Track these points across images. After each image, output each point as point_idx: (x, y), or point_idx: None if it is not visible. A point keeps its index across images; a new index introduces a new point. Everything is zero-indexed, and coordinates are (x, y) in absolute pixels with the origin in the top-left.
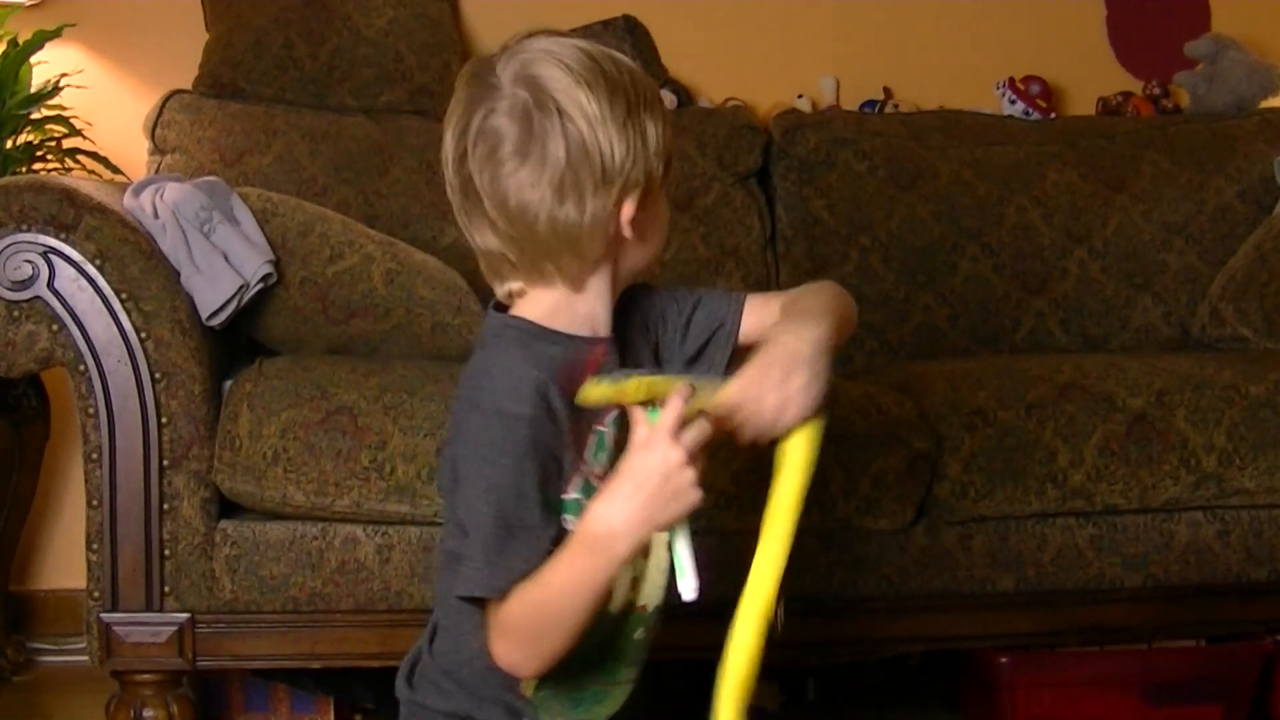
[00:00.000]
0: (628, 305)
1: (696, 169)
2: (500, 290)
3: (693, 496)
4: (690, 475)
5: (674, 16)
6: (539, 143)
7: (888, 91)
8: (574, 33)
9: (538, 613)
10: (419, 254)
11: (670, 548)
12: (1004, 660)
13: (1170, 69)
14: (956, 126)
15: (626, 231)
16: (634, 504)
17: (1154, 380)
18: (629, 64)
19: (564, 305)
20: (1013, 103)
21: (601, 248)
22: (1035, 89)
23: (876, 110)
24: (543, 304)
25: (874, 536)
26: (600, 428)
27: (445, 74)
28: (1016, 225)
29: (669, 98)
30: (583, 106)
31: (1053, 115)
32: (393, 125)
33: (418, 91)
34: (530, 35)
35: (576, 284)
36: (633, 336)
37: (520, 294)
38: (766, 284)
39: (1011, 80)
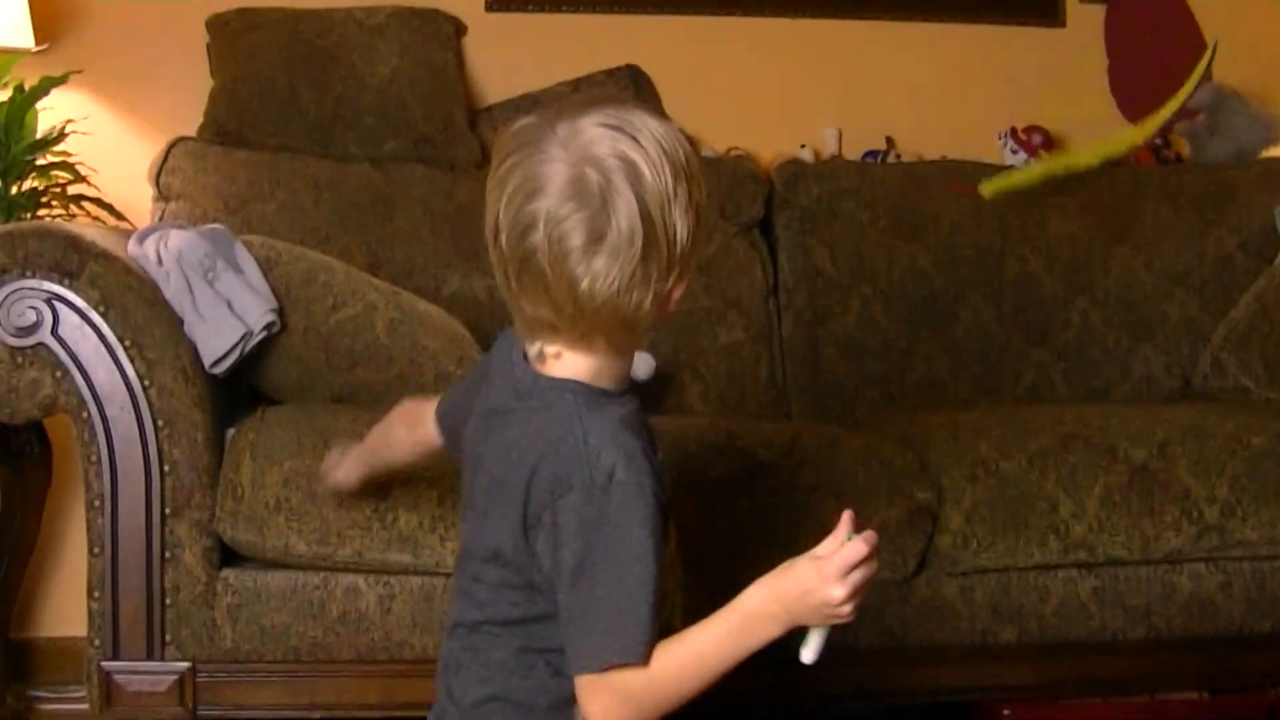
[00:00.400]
0: None
1: None
2: (532, 349)
3: (845, 618)
4: (847, 610)
5: (677, 66)
6: (615, 230)
7: (890, 141)
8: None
9: (682, 677)
10: (422, 303)
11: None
12: (1006, 712)
13: (1171, 119)
14: (958, 177)
15: (673, 306)
16: (794, 613)
17: (1156, 431)
18: (680, 137)
19: (605, 367)
20: (1015, 152)
21: (652, 321)
22: (1037, 139)
23: (879, 160)
24: (584, 365)
25: (875, 587)
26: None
27: (449, 123)
28: (1018, 275)
29: None
30: (661, 199)
31: None
32: (397, 173)
33: (421, 140)
34: (551, 97)
35: (622, 350)
36: None
37: (557, 356)
38: (769, 334)
39: (1014, 130)
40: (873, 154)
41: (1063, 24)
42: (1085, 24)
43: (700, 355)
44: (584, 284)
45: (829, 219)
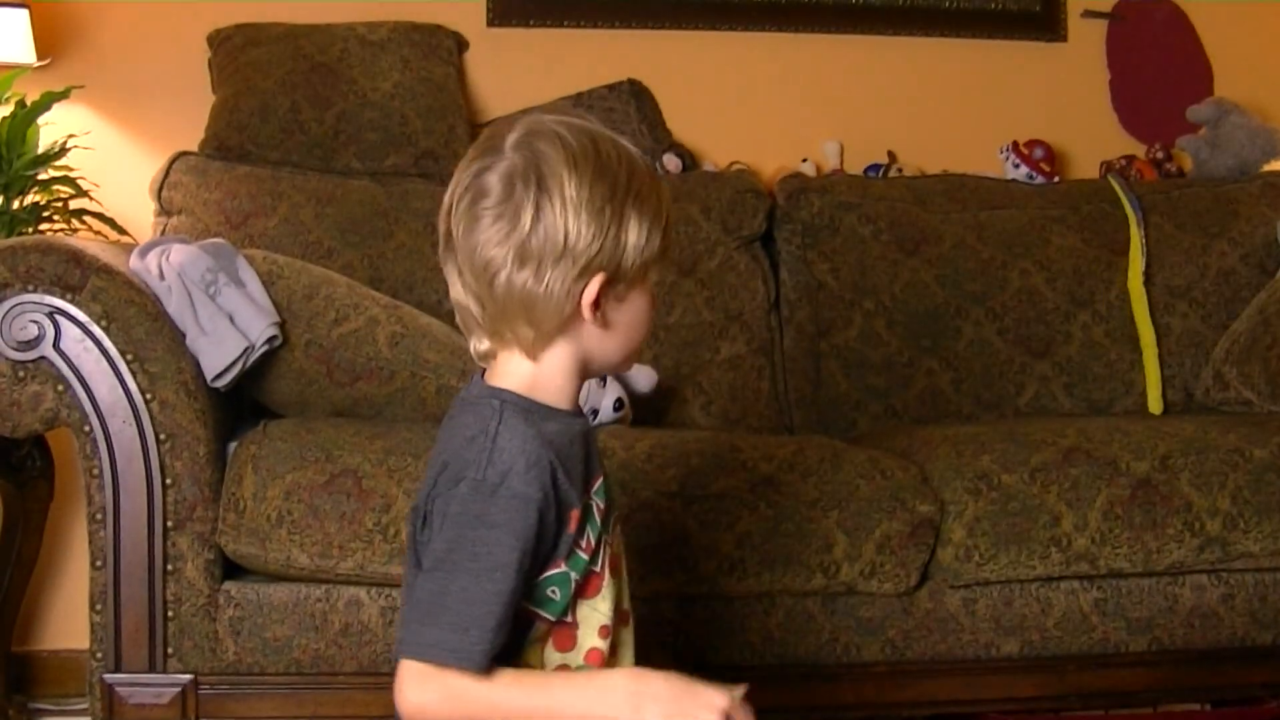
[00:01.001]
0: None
1: (701, 233)
2: (473, 349)
3: None
4: None
5: (679, 81)
6: (513, 206)
7: (891, 155)
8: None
9: (519, 708)
10: (424, 317)
11: None
12: None
13: (1173, 133)
14: (960, 190)
15: (586, 314)
16: (658, 702)
17: (1158, 444)
18: (633, 157)
19: (542, 379)
20: (1016, 166)
21: (555, 321)
22: (1039, 153)
23: (880, 174)
24: (519, 375)
25: (878, 600)
26: (588, 499)
27: (450, 138)
28: (1020, 289)
29: (673, 162)
30: (562, 184)
31: (1056, 179)
32: (398, 189)
33: (423, 155)
34: (549, 110)
35: (532, 353)
36: None
37: (491, 355)
38: (770, 348)
39: (1015, 144)
40: (874, 168)
41: (1064, 39)
42: (1087, 39)
43: (702, 369)
44: (479, 253)
45: (830, 233)
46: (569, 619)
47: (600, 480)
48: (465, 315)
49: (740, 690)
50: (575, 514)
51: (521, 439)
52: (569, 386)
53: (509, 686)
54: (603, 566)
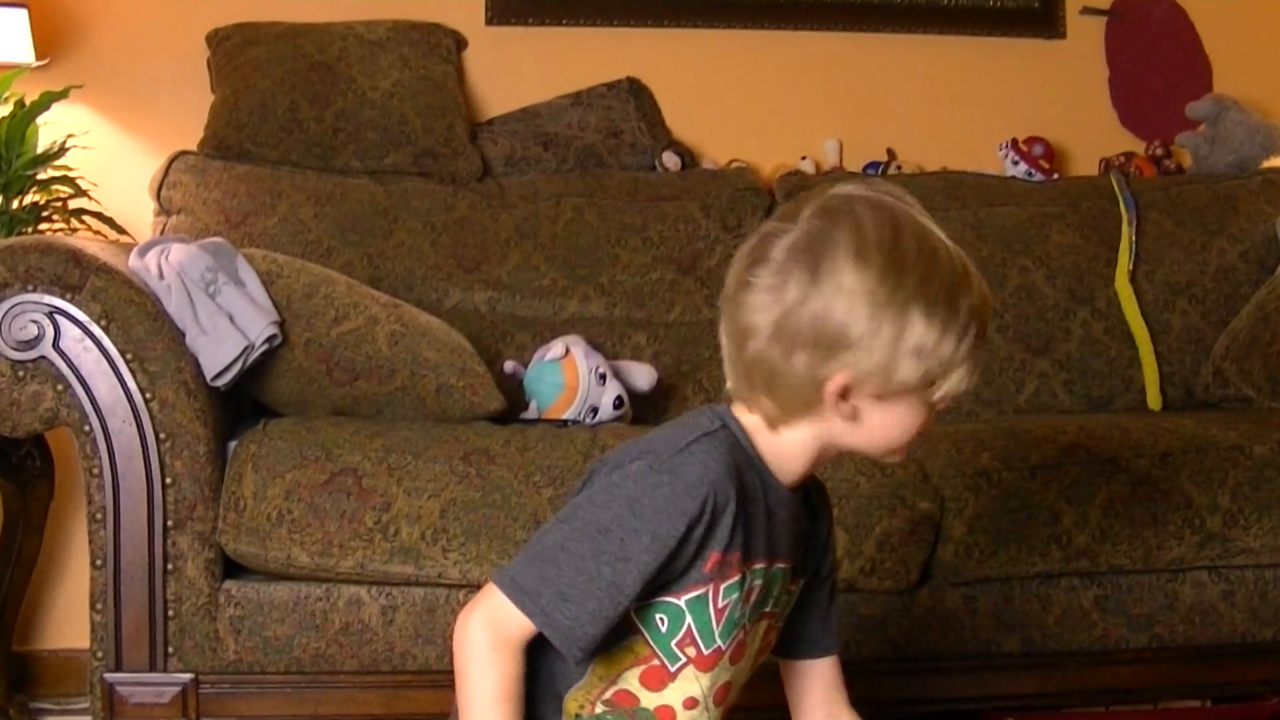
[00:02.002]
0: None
1: (700, 230)
2: (727, 387)
3: None
4: None
5: (678, 79)
6: (784, 279)
7: (891, 153)
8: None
9: (473, 700)
10: (423, 316)
11: None
12: None
13: (1172, 130)
14: (960, 188)
15: (830, 404)
16: None
17: (1158, 441)
18: (939, 253)
19: (772, 443)
20: (1015, 164)
21: (799, 406)
22: (1038, 150)
23: (880, 172)
24: (754, 426)
25: (878, 598)
26: (748, 570)
27: (449, 136)
28: (1020, 286)
29: (673, 160)
30: (839, 274)
31: (1055, 176)
32: (397, 187)
33: (422, 154)
34: (868, 187)
35: (772, 425)
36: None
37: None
38: None
39: (1014, 141)
40: (874, 166)
41: (1063, 35)
42: (1086, 35)
43: (702, 366)
44: (744, 313)
45: None
46: (671, 667)
47: (774, 569)
48: (727, 360)
49: None
50: (716, 557)
51: (718, 458)
52: (797, 466)
53: (505, 699)
54: (729, 646)
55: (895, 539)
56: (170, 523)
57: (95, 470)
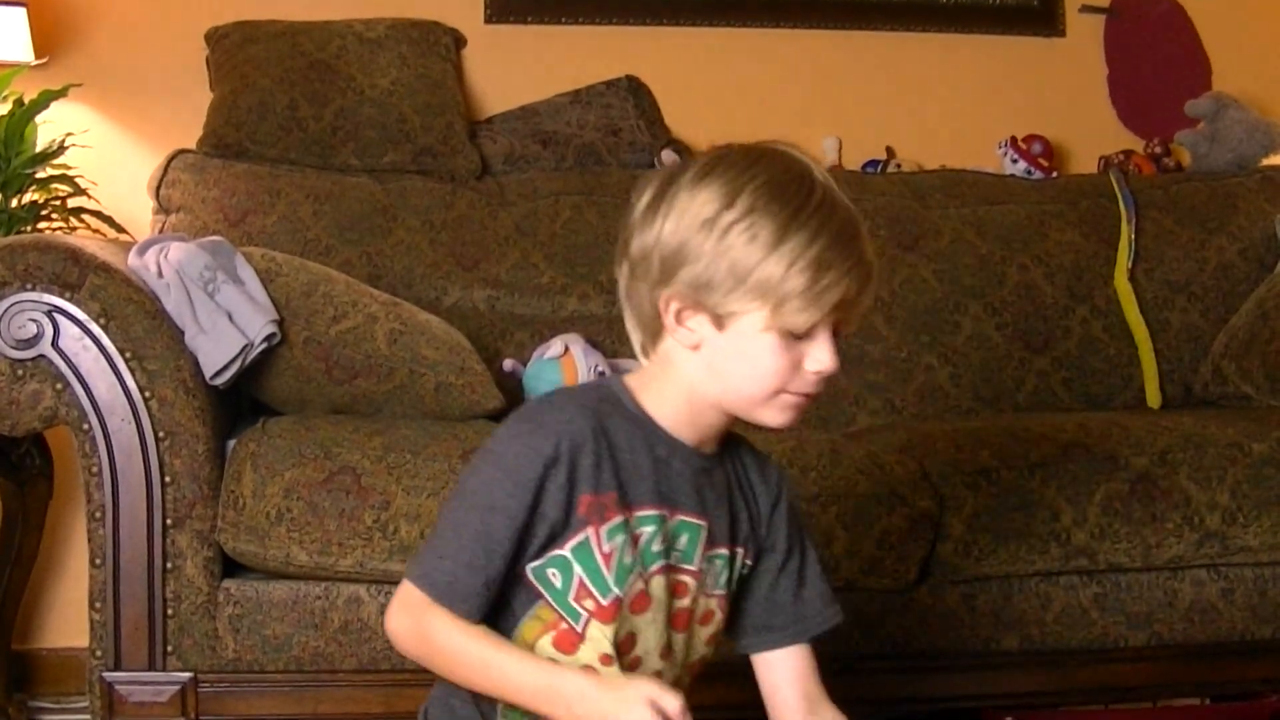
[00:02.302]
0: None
1: None
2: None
3: None
4: None
5: (677, 77)
6: (644, 214)
7: (890, 151)
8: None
9: (470, 668)
10: (422, 314)
11: None
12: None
13: (1171, 128)
14: (958, 186)
15: (671, 328)
16: (585, 713)
17: (1157, 439)
18: (794, 193)
19: (648, 388)
20: (1015, 162)
21: (651, 337)
22: (1037, 148)
23: (879, 170)
24: (638, 379)
25: (877, 596)
26: (630, 515)
27: (448, 134)
28: (1019, 284)
29: (671, 158)
30: (679, 198)
31: (1054, 174)
32: (396, 186)
33: (421, 152)
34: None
35: (643, 356)
36: (735, 498)
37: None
38: None
39: (1013, 139)
40: (873, 164)
41: (1062, 34)
42: (1085, 33)
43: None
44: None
45: None
46: (577, 626)
47: (675, 520)
48: None
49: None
50: (588, 499)
51: (577, 403)
52: (670, 406)
53: (473, 639)
54: (627, 594)
55: (894, 537)
56: (169, 521)
57: (94, 469)
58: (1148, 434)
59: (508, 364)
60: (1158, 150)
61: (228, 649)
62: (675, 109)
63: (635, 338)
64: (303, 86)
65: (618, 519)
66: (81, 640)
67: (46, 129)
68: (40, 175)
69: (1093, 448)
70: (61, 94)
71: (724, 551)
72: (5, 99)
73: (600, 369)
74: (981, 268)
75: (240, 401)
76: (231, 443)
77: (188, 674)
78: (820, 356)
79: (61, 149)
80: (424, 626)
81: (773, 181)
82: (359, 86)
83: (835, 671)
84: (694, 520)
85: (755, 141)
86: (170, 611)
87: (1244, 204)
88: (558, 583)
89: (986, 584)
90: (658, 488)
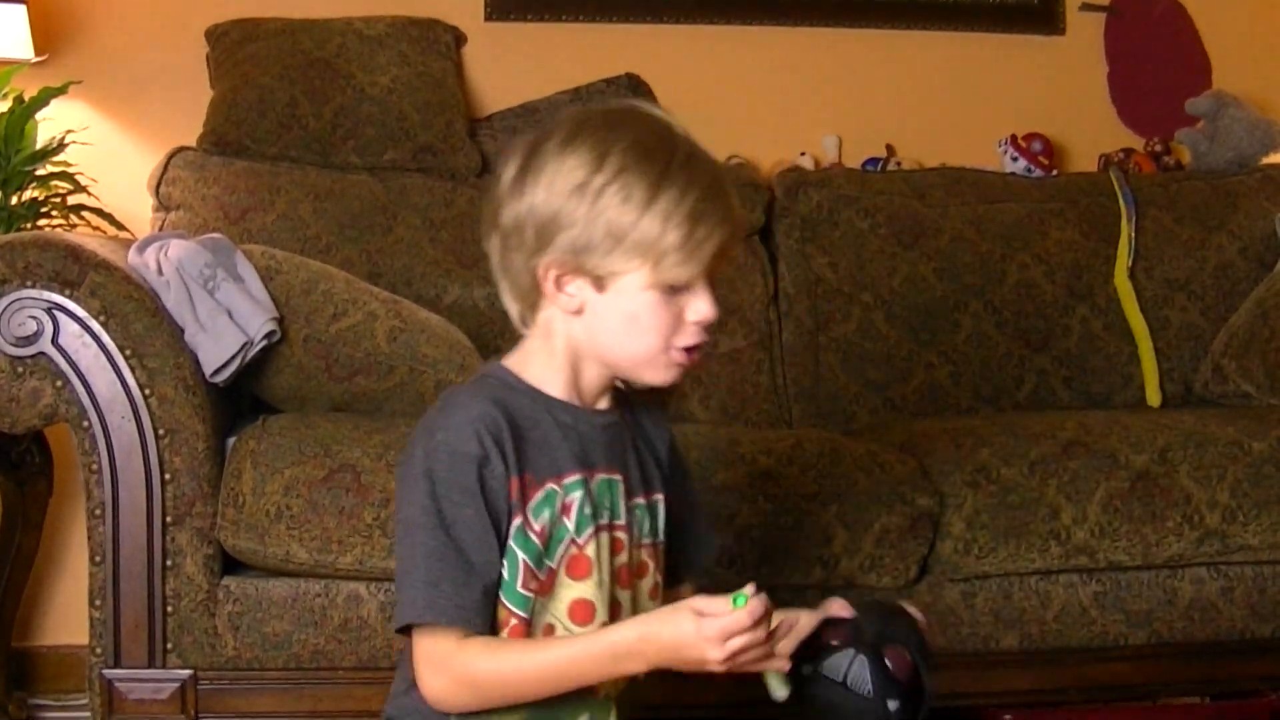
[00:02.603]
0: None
1: None
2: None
3: (716, 671)
4: (720, 669)
5: (677, 75)
6: (511, 185)
7: (890, 149)
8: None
9: (520, 681)
10: (422, 312)
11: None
12: (1008, 718)
13: (1172, 126)
14: (959, 184)
15: (551, 295)
16: (663, 659)
17: (1157, 437)
18: (662, 152)
19: (526, 358)
20: (1015, 160)
21: (530, 306)
22: (1037, 146)
23: (879, 168)
24: (515, 353)
25: (877, 594)
26: (554, 485)
27: (448, 132)
28: (1019, 282)
29: None
30: (546, 165)
31: (1055, 172)
32: (396, 183)
33: (421, 150)
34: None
35: (522, 326)
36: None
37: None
38: (769, 342)
39: (1014, 137)
40: (873, 162)
41: (1063, 32)
42: (1085, 32)
43: (701, 362)
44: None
45: (829, 227)
46: (525, 613)
47: (596, 480)
48: None
49: (750, 595)
50: (514, 482)
51: (472, 397)
52: (558, 375)
53: (517, 652)
54: (560, 563)
55: (894, 535)
56: (169, 519)
57: (94, 466)
58: (1148, 432)
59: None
60: (1158, 148)
61: (227, 646)
62: (675, 107)
63: (513, 309)
64: (303, 84)
65: (540, 494)
66: (81, 638)
67: (46, 126)
68: (40, 172)
69: (1093, 446)
70: (61, 91)
71: (641, 501)
72: (5, 96)
73: None
74: (981, 266)
75: (240, 399)
76: (231, 440)
77: (187, 671)
78: (700, 307)
79: (61, 146)
80: (462, 670)
81: (639, 142)
82: (359, 84)
83: None
84: (612, 476)
85: (613, 104)
86: (170, 609)
87: (1244, 202)
88: (507, 575)
89: (986, 582)
90: (572, 453)
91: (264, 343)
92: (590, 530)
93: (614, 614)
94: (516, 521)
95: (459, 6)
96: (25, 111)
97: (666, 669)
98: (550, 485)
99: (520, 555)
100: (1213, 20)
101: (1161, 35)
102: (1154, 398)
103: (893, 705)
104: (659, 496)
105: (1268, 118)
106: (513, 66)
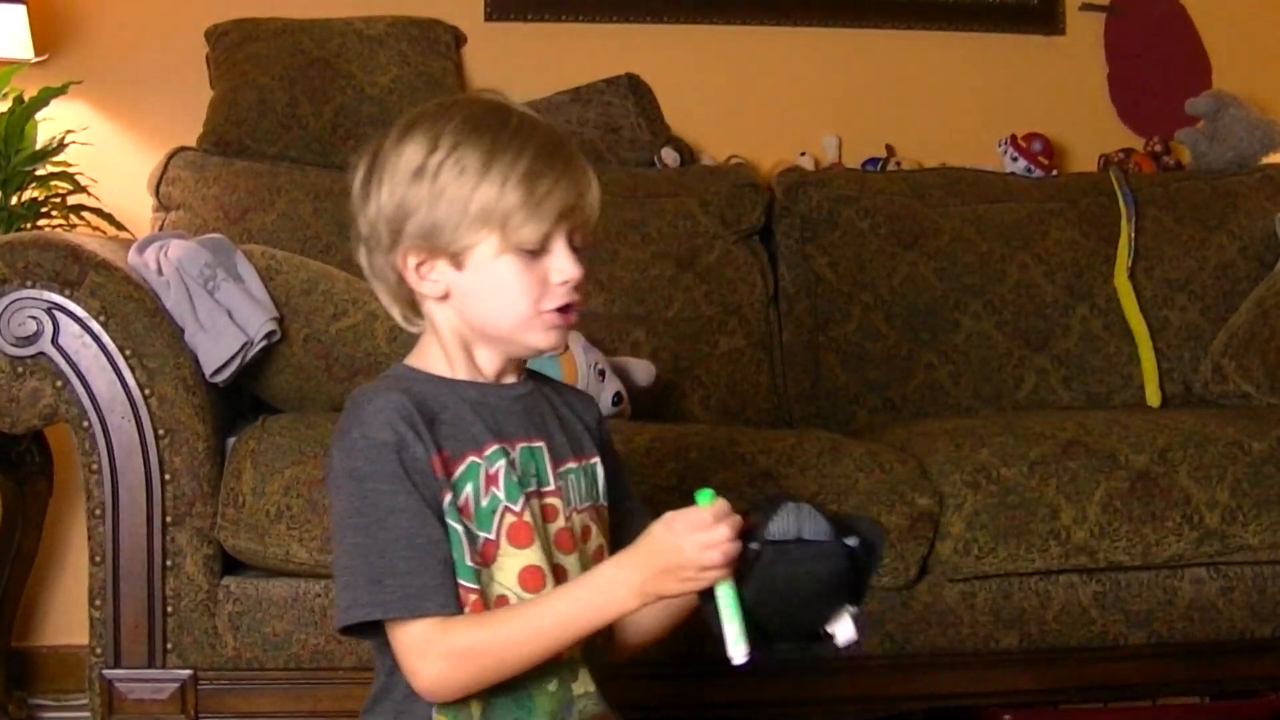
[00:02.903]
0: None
1: (699, 227)
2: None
3: (707, 580)
4: (712, 574)
5: (677, 75)
6: (360, 194)
7: (890, 149)
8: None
9: (507, 643)
10: None
11: (716, 607)
12: (1008, 718)
13: (1171, 126)
14: (958, 184)
15: (418, 285)
16: (655, 578)
17: (1157, 437)
18: (490, 126)
19: (421, 350)
20: (1015, 160)
21: (405, 301)
22: (1037, 146)
23: (879, 168)
24: (416, 349)
25: (876, 594)
26: (475, 458)
27: None
28: (1019, 282)
29: (672, 156)
30: (387, 163)
31: (1055, 172)
32: None
33: None
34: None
35: (409, 322)
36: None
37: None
38: (769, 342)
39: (1013, 138)
40: (873, 162)
41: (1063, 32)
42: (1085, 32)
43: (701, 362)
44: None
45: (829, 227)
46: (477, 585)
47: (517, 449)
48: None
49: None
50: (435, 461)
51: (377, 391)
52: (456, 360)
53: (505, 619)
54: (498, 533)
55: (893, 535)
56: (169, 519)
57: (94, 466)
58: (1147, 432)
59: None
60: (1158, 148)
61: (227, 646)
62: (675, 107)
63: (395, 312)
64: (303, 84)
65: (462, 468)
66: (81, 638)
67: (46, 126)
68: (40, 172)
69: (1092, 446)
70: (61, 91)
71: (574, 464)
72: (5, 96)
73: (600, 367)
74: (981, 266)
75: (240, 399)
76: (231, 440)
77: (187, 671)
78: (561, 266)
79: (61, 146)
80: (448, 648)
81: (470, 117)
82: (359, 84)
83: (834, 669)
84: (534, 443)
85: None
86: (170, 609)
87: (1244, 202)
88: (454, 552)
89: (986, 582)
90: (487, 427)
91: (264, 343)
92: (521, 498)
93: (559, 579)
94: (447, 498)
95: (459, 6)
96: (25, 111)
97: (655, 596)
98: (471, 458)
99: (458, 529)
100: (1212, 20)
101: (1161, 35)
102: (1154, 398)
103: (852, 542)
104: (595, 460)
105: (1268, 117)
106: (512, 67)
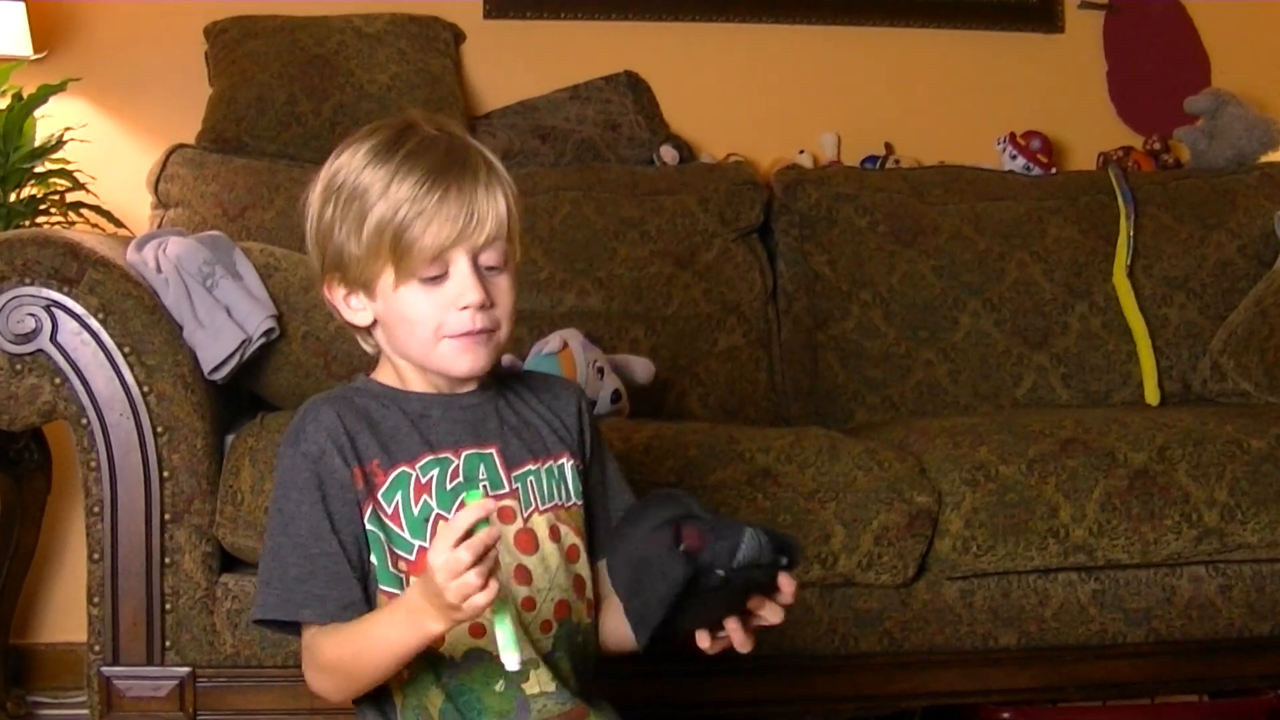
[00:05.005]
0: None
1: (698, 225)
2: None
3: (477, 599)
4: (474, 585)
5: (676, 73)
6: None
7: (889, 147)
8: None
9: (354, 659)
10: None
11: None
12: (1006, 716)
13: (1171, 124)
14: (957, 182)
15: (343, 311)
16: (433, 603)
17: (1155, 435)
18: (375, 161)
19: (380, 366)
20: (1014, 158)
21: (347, 324)
22: (1036, 144)
23: (878, 166)
24: (379, 364)
25: (875, 592)
26: (407, 468)
27: None
28: (1017, 280)
29: (671, 153)
30: (310, 192)
31: (1054, 170)
32: None
33: None
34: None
35: (367, 345)
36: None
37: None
38: (768, 340)
39: (1012, 135)
40: (872, 159)
41: (1062, 30)
42: (1084, 30)
43: (699, 360)
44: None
45: (828, 225)
46: (398, 591)
47: (461, 456)
48: None
49: (471, 510)
50: (358, 472)
51: (318, 405)
52: (409, 374)
53: (343, 632)
54: (432, 539)
55: (892, 533)
56: (167, 516)
57: (93, 464)
58: (1146, 430)
59: (506, 359)
60: (1157, 146)
61: (226, 644)
62: (674, 104)
63: (360, 341)
64: (302, 81)
65: (389, 480)
66: (80, 635)
67: (45, 123)
68: (39, 170)
69: (1091, 444)
70: (60, 88)
71: (533, 466)
72: (4, 94)
73: (599, 365)
74: (980, 264)
75: (239, 397)
76: (230, 438)
77: (186, 669)
78: (457, 291)
79: (60, 143)
80: (313, 658)
81: (373, 146)
82: (358, 82)
83: (833, 667)
84: (481, 450)
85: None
86: (168, 606)
87: (1243, 200)
88: (377, 561)
89: (984, 580)
90: (425, 438)
91: (263, 340)
92: (457, 505)
93: (525, 580)
94: (369, 508)
95: (458, 4)
96: (24, 109)
97: (452, 623)
98: (402, 468)
99: (381, 536)
100: (1211, 18)
101: (1160, 33)
102: (1152, 396)
103: (784, 561)
104: (563, 460)
105: (1267, 116)
106: (512, 64)
